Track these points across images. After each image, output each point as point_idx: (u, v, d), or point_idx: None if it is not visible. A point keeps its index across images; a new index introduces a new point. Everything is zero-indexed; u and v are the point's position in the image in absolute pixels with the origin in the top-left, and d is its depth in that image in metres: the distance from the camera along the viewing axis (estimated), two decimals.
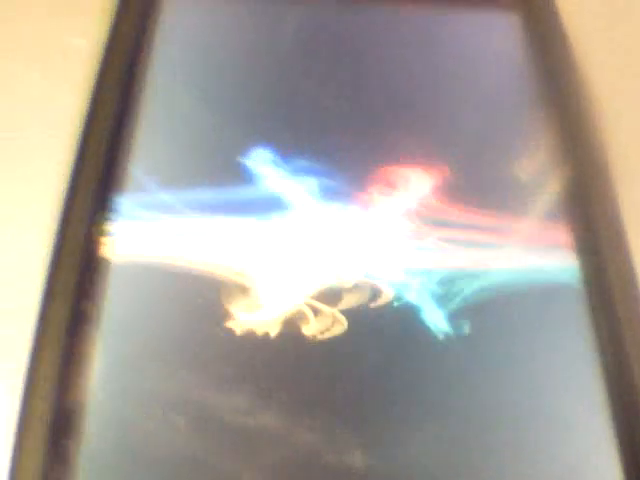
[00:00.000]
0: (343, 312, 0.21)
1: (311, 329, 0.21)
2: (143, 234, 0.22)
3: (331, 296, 0.21)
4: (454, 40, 0.27)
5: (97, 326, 0.20)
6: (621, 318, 0.21)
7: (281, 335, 0.20)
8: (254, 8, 0.27)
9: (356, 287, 0.21)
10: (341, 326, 0.21)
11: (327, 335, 0.20)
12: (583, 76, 0.27)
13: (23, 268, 0.22)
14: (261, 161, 0.23)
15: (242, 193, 0.23)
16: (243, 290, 0.21)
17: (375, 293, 0.21)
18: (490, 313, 0.21)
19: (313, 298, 0.21)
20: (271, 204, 0.23)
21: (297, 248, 0.22)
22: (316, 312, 0.21)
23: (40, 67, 0.27)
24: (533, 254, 0.22)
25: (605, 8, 0.30)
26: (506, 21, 0.28)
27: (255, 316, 0.21)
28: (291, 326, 0.21)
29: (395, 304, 0.21)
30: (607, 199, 0.23)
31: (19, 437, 0.18)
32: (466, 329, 0.21)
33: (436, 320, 0.21)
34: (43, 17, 0.29)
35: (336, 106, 0.25)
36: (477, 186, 0.24)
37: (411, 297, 0.21)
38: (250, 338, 0.20)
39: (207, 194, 0.23)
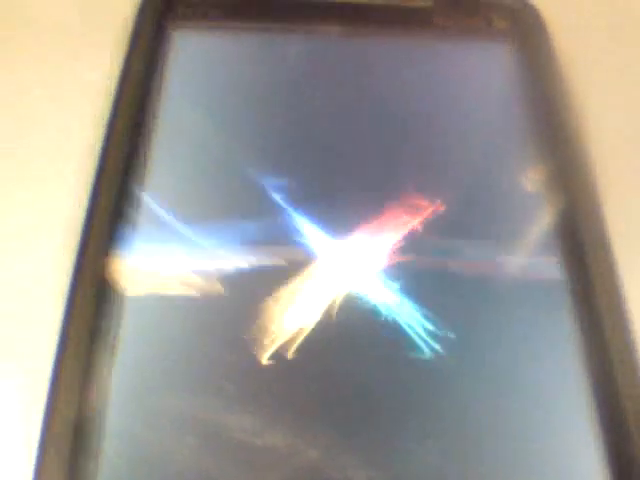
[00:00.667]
0: (340, 331, 0.22)
1: (313, 349, 0.22)
2: (158, 262, 0.23)
3: (330, 316, 0.22)
4: (447, 71, 0.28)
5: (113, 348, 0.21)
6: (606, 326, 0.22)
7: (285, 356, 0.22)
8: (263, 40, 0.29)
9: (351, 307, 0.23)
10: (337, 343, 0.22)
11: (326, 353, 0.22)
12: (577, 106, 0.28)
13: (39, 295, 0.23)
14: (274, 191, 0.25)
15: (255, 223, 0.24)
16: (253, 313, 0.22)
17: (368, 312, 0.22)
18: (476, 321, 0.23)
19: (314, 321, 0.22)
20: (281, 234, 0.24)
21: (304, 275, 0.23)
22: (316, 332, 0.22)
23: (54, 101, 0.28)
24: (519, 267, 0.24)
25: (600, 38, 0.31)
26: (499, 51, 0.29)
27: (263, 339, 0.22)
28: (295, 346, 0.22)
29: (385, 320, 0.22)
30: (597, 223, 0.24)
31: (40, 456, 0.19)
32: (454, 342, 0.22)
33: (424, 336, 0.22)
34: (57, 51, 0.31)
35: (331, 139, 0.26)
36: (470, 216, 0.25)
37: (399, 312, 0.22)
38: (257, 360, 0.21)
39: (221, 224, 0.24)
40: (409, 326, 0.22)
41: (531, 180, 0.26)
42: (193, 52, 0.28)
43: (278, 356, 0.22)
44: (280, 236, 0.24)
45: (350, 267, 0.23)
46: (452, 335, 0.22)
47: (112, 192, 0.23)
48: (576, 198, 0.25)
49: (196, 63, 0.28)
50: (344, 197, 0.25)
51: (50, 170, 0.27)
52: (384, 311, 0.22)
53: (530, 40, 0.29)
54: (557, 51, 0.29)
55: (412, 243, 0.24)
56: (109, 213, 0.23)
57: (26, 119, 0.28)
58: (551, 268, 0.24)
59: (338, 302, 0.23)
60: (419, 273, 0.23)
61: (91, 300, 0.21)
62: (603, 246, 0.24)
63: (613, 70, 0.30)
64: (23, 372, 0.22)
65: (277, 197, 0.24)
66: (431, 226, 0.24)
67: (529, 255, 0.24)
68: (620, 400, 0.21)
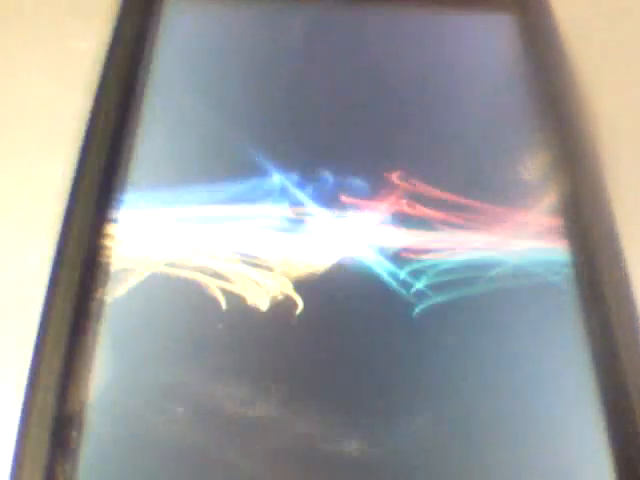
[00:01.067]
0: (334, 301, 0.22)
1: (302, 317, 0.21)
2: (146, 233, 0.22)
3: (322, 284, 0.22)
4: (450, 41, 0.28)
5: (100, 323, 0.21)
6: (612, 314, 0.22)
7: (275, 324, 0.21)
8: (254, 11, 0.28)
9: (349, 277, 0.22)
10: (331, 314, 0.21)
11: (318, 323, 0.21)
12: (578, 77, 0.27)
13: (27, 268, 0.22)
14: (261, 159, 0.24)
15: (242, 187, 0.23)
16: (239, 281, 0.22)
17: (370, 284, 0.22)
18: (480, 308, 0.22)
19: (301, 287, 0.22)
20: (268, 197, 0.23)
21: (292, 239, 0.23)
22: (306, 301, 0.21)
23: (44, 70, 0.28)
24: (526, 248, 0.23)
25: (600, 9, 0.31)
26: (502, 22, 0.28)
27: (250, 306, 0.21)
28: (283, 315, 0.21)
29: (392, 294, 0.22)
30: (601, 201, 0.24)
31: (23, 429, 0.19)
32: (459, 325, 0.21)
33: (430, 314, 0.22)
34: (47, 21, 0.30)
35: (332, 108, 0.25)
36: (473, 183, 0.24)
37: (409, 289, 0.22)
38: (246, 329, 0.21)
39: (207, 190, 0.23)
40: (403, 292, 0.22)
41: (533, 156, 0.25)
42: (184, 19, 0.27)
43: (267, 325, 0.21)
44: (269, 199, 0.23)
45: (339, 233, 0.23)
46: (458, 318, 0.22)
47: (99, 160, 0.23)
48: (579, 175, 0.24)
49: (187, 30, 0.27)
50: (336, 165, 0.24)
51: (38, 140, 0.26)
52: (376, 277, 0.22)
53: (532, 11, 0.28)
54: (559, 24, 0.28)
55: (404, 215, 0.23)
56: (96, 182, 0.22)
57: (15, 89, 0.28)
58: (552, 247, 0.23)
59: (327, 269, 0.22)
60: (415, 241, 0.23)
61: (78, 268, 0.21)
62: (609, 232, 0.23)
63: (614, 40, 0.30)
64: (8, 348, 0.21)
65: (266, 162, 0.24)
66: (426, 200, 0.24)
67: (530, 238, 0.23)
68: (626, 384, 0.21)
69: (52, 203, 0.22)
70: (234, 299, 0.21)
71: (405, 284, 0.22)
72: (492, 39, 0.28)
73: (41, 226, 0.22)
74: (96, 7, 0.28)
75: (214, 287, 0.21)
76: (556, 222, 0.24)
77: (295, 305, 0.21)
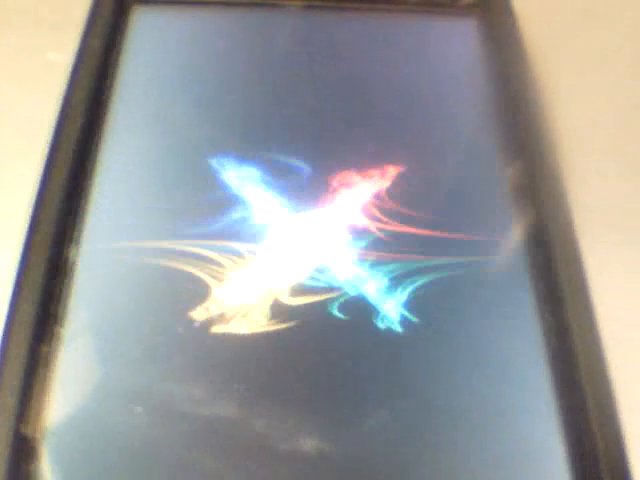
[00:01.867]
0: (297, 305, 0.22)
1: (265, 323, 0.22)
2: (110, 230, 0.23)
3: (286, 291, 0.22)
4: (413, 44, 0.28)
5: (63, 325, 0.21)
6: (567, 304, 0.22)
7: (236, 329, 0.21)
8: (225, 15, 0.29)
9: (310, 282, 0.22)
10: (294, 319, 0.22)
11: (281, 328, 0.21)
12: (538, 79, 0.27)
13: None
14: (227, 165, 0.24)
15: (209, 196, 0.24)
16: (203, 286, 0.22)
17: (328, 286, 0.22)
18: (441, 302, 0.22)
19: (269, 293, 0.22)
20: (236, 205, 0.24)
21: (259, 247, 0.23)
22: (272, 307, 0.22)
23: (17, 81, 0.28)
24: (483, 245, 0.23)
25: (563, 13, 0.31)
26: (464, 26, 0.29)
27: (213, 311, 0.22)
28: (245, 320, 0.22)
29: (348, 296, 0.22)
30: (556, 195, 0.24)
31: None
32: (417, 318, 0.22)
33: (388, 310, 0.22)
34: (22, 32, 0.30)
35: (298, 109, 0.26)
36: (430, 185, 0.25)
37: (364, 289, 0.22)
38: (207, 332, 0.21)
39: (175, 194, 0.24)
40: (370, 296, 0.22)
41: (494, 154, 0.25)
42: (153, 27, 0.27)
43: (230, 328, 0.21)
44: (237, 212, 0.24)
45: (310, 241, 0.23)
46: (416, 312, 0.22)
47: (66, 165, 0.23)
48: (537, 170, 0.25)
49: (156, 38, 0.27)
50: (306, 168, 0.25)
51: (10, 148, 0.27)
52: (342, 281, 0.22)
53: (495, 16, 0.29)
54: (522, 28, 0.28)
55: (375, 213, 0.24)
56: (62, 185, 0.23)
57: None
58: (513, 243, 0.24)
59: (296, 275, 0.22)
60: (384, 243, 0.23)
61: (42, 270, 0.21)
62: (565, 224, 0.24)
63: (576, 42, 0.30)
64: None
65: (234, 172, 0.24)
66: (394, 195, 0.24)
67: (493, 232, 0.24)
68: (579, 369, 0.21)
69: (17, 210, 0.23)
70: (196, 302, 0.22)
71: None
72: (454, 42, 0.28)
73: (5, 234, 0.23)
74: (69, 18, 0.29)
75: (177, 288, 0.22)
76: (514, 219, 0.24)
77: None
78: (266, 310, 0.22)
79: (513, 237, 0.24)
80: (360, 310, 0.22)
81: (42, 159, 0.24)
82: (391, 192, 0.24)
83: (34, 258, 0.21)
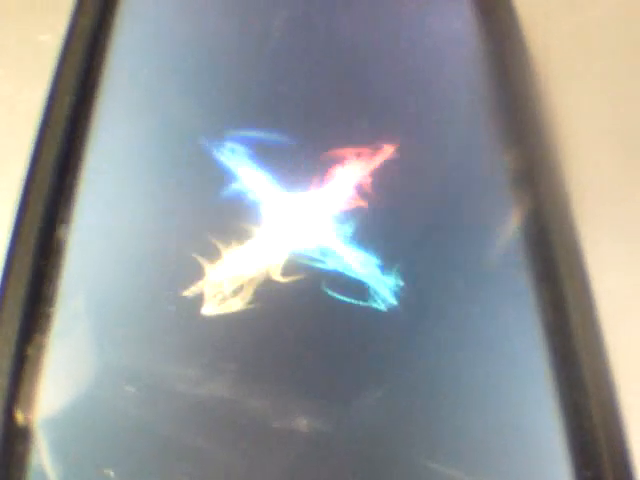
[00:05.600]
0: (290, 283, 0.22)
1: (258, 301, 0.21)
2: (100, 210, 0.23)
3: (279, 269, 0.22)
4: (407, 20, 0.28)
5: (53, 305, 0.21)
6: (564, 287, 0.22)
7: (229, 307, 0.21)
8: None
9: (303, 260, 0.22)
10: (287, 297, 0.21)
11: (274, 306, 0.21)
12: (534, 59, 0.27)
13: None
14: (219, 144, 0.24)
15: (201, 174, 0.24)
16: (195, 266, 0.22)
17: (321, 264, 0.22)
18: (435, 282, 0.22)
19: (261, 271, 0.22)
20: (228, 184, 0.23)
21: (249, 224, 0.23)
22: (263, 284, 0.22)
23: (3, 63, 0.28)
24: (479, 228, 0.23)
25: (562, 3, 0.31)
26: (459, 8, 0.28)
27: (206, 290, 0.21)
28: (238, 299, 0.21)
29: (341, 274, 0.22)
30: (555, 180, 0.24)
31: None
32: (411, 297, 0.22)
33: (381, 289, 0.22)
34: (10, 13, 0.30)
35: (287, 86, 0.26)
36: (421, 165, 0.24)
37: (357, 267, 0.22)
38: (200, 311, 0.21)
39: (167, 175, 0.24)
40: (360, 275, 0.22)
41: (488, 138, 0.25)
42: (144, 4, 0.27)
43: (222, 307, 0.21)
44: (228, 190, 0.23)
45: (302, 219, 0.23)
46: (405, 285, 0.22)
47: (55, 148, 0.23)
48: (534, 156, 0.24)
49: (146, 17, 0.27)
50: (298, 145, 0.24)
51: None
52: (334, 260, 0.22)
53: None
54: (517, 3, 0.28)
55: (369, 190, 0.24)
56: (52, 169, 0.23)
57: None
58: (511, 227, 0.23)
59: (288, 254, 0.22)
60: (373, 222, 0.23)
61: (31, 250, 0.21)
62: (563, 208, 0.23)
63: (573, 23, 0.30)
64: None
65: (226, 151, 0.24)
66: (388, 173, 0.24)
67: (490, 214, 0.24)
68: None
69: (7, 194, 0.23)
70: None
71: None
72: (448, 19, 0.28)
73: None
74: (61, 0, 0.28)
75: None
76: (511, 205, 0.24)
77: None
78: (259, 288, 0.22)
79: (510, 221, 0.23)
80: (353, 288, 0.22)
81: (32, 138, 0.23)
82: (385, 170, 0.24)
83: (24, 238, 0.21)
